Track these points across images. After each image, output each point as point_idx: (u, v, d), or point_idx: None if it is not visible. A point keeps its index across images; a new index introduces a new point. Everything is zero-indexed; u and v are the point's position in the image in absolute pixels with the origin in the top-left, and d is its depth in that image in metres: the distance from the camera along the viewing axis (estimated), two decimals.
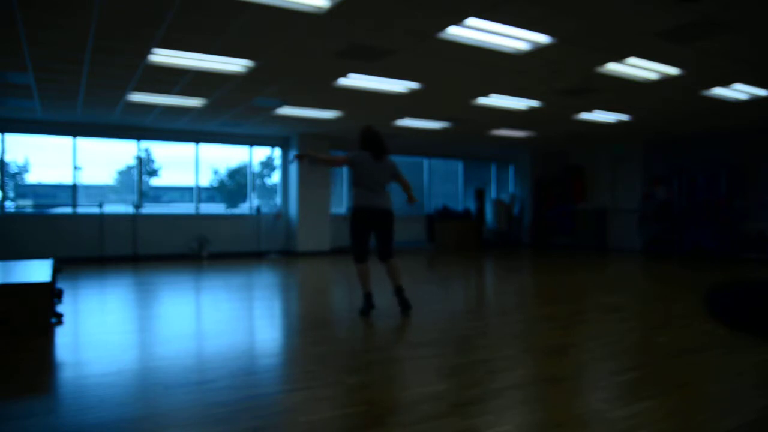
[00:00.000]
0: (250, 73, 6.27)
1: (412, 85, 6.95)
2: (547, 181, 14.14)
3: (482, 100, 7.88)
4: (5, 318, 4.06)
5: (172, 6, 4.30)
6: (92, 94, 7.41)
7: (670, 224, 11.49)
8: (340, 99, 7.78)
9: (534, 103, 8.04)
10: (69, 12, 4.43)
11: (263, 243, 11.43)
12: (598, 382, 3.10)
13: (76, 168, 10.06)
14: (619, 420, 2.44)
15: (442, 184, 14.44)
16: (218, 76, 6.36)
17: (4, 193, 9.68)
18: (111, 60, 5.78)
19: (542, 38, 5.10)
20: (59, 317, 4.52)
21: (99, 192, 10.83)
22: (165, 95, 7.47)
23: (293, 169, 11.46)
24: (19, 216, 9.91)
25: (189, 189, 11.27)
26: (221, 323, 4.75)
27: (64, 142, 9.96)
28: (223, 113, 8.81)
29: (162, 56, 5.63)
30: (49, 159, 10.34)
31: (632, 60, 5.86)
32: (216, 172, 13.14)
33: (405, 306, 4.93)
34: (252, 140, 11.53)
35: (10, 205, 9.99)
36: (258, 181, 12.98)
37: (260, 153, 12.91)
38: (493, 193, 15.12)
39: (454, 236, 13.10)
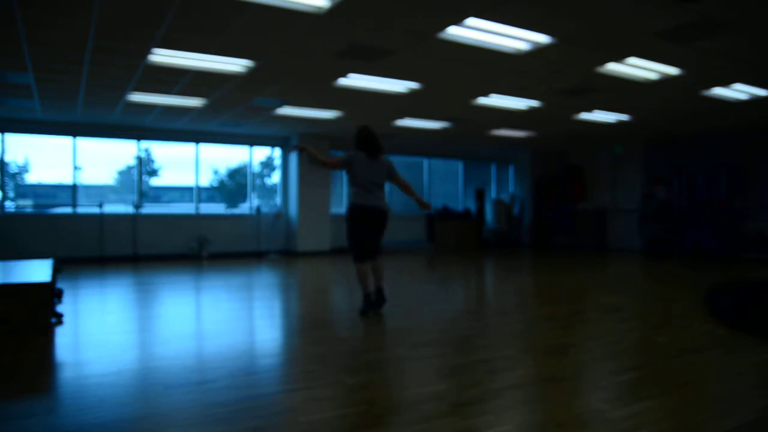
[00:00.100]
0: (250, 73, 6.27)
1: (412, 85, 6.95)
2: (547, 181, 14.14)
3: (482, 100, 7.88)
4: (5, 318, 4.06)
5: (172, 6, 4.30)
6: (92, 94, 7.41)
7: (670, 224, 11.49)
8: (340, 99, 7.78)
9: (534, 103, 8.03)
10: (69, 12, 4.43)
11: (263, 243, 11.43)
12: (598, 382, 3.10)
13: (76, 168, 10.06)
14: (619, 420, 2.44)
15: (442, 184, 14.44)
16: (218, 76, 6.36)
17: (4, 193, 9.68)
18: (111, 60, 5.78)
19: (542, 38, 5.09)
20: (59, 317, 4.52)
21: (99, 192, 10.84)
22: (165, 95, 7.47)
23: (293, 169, 11.46)
24: (19, 216, 9.91)
25: (189, 189, 11.27)
26: (221, 323, 4.75)
27: (64, 142, 9.97)
28: (223, 113, 8.81)
29: (162, 56, 5.63)
30: (49, 159, 10.36)
31: (632, 60, 5.86)
32: (216, 172, 13.15)
33: (380, 301, 5.06)
34: (252, 140, 11.53)
35: (10, 205, 9.99)
36: (258, 181, 12.99)
37: (260, 153, 12.92)
38: (493, 193, 15.13)
39: (454, 236, 13.10)
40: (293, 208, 11.49)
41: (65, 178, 10.10)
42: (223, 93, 7.33)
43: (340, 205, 12.36)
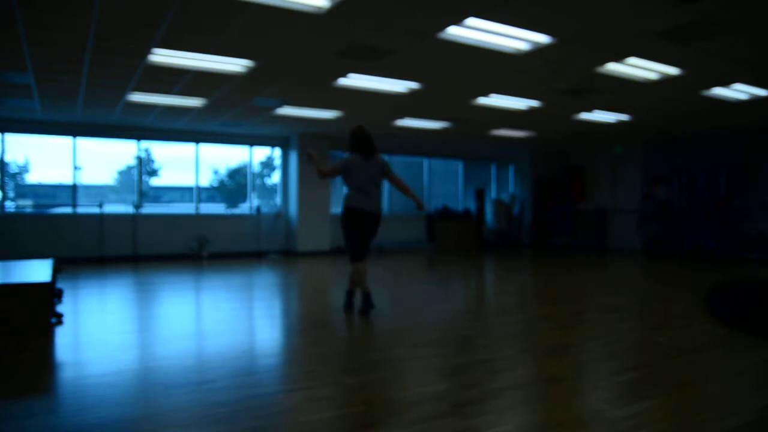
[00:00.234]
0: (250, 73, 6.27)
1: (412, 85, 6.95)
2: (547, 181, 14.14)
3: (482, 100, 7.88)
4: (5, 318, 4.06)
5: (172, 6, 4.30)
6: (92, 94, 7.41)
7: (670, 224, 11.49)
8: (340, 99, 7.79)
9: (534, 103, 8.03)
10: (69, 12, 4.43)
11: (263, 243, 11.43)
12: (598, 382, 3.10)
13: (76, 168, 10.06)
14: (619, 420, 2.44)
15: (442, 184, 14.45)
16: (218, 76, 6.36)
17: (4, 193, 9.68)
18: (111, 60, 5.78)
19: (542, 38, 5.09)
20: (59, 317, 4.52)
21: (99, 192, 10.84)
22: (165, 95, 7.47)
23: (293, 169, 11.46)
24: (19, 216, 9.91)
25: (189, 189, 11.27)
26: (221, 323, 4.75)
27: (64, 142, 9.97)
28: (223, 113, 8.81)
29: (162, 56, 5.63)
30: (49, 159, 10.36)
31: (632, 60, 5.86)
32: (216, 172, 13.16)
33: (350, 305, 5.11)
34: (252, 140, 11.53)
35: (10, 205, 9.99)
36: (258, 181, 12.99)
37: (260, 153, 12.93)
38: (493, 193, 15.13)
39: (454, 236, 13.10)
40: (293, 208, 11.49)
41: (65, 178, 10.11)
42: (223, 93, 7.33)
43: (340, 205, 12.35)
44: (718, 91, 7.26)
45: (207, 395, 2.77)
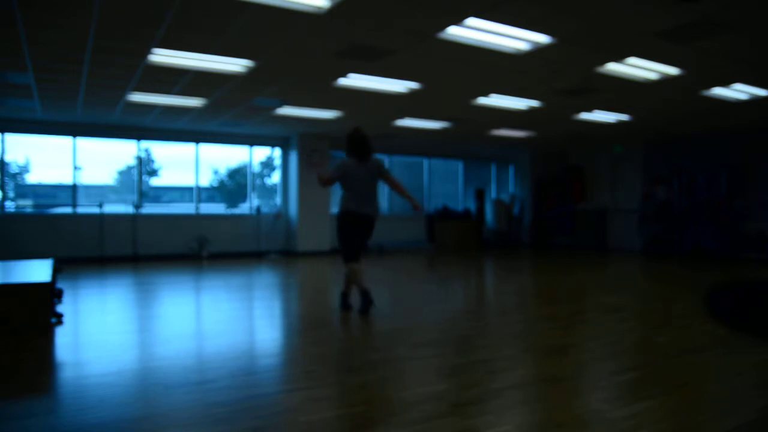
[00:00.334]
0: (250, 73, 6.27)
1: (412, 85, 6.95)
2: (547, 181, 14.14)
3: (482, 100, 7.88)
4: (5, 318, 4.06)
5: (172, 6, 4.30)
6: (92, 94, 7.41)
7: (670, 224, 11.49)
8: (340, 99, 7.79)
9: (534, 103, 8.03)
10: (69, 12, 4.43)
11: (263, 243, 11.43)
12: (598, 382, 3.10)
13: (76, 168, 10.06)
14: (619, 420, 2.44)
15: (442, 184, 14.45)
16: (218, 76, 6.36)
17: (4, 193, 9.68)
18: (111, 60, 5.78)
19: (542, 38, 5.09)
20: (59, 317, 4.52)
21: (99, 192, 10.83)
22: (165, 95, 7.47)
23: (293, 169, 11.46)
24: (19, 216, 9.91)
25: (189, 189, 11.27)
26: (221, 323, 4.75)
27: (64, 142, 9.97)
28: (223, 113, 8.81)
29: (162, 56, 5.63)
30: (49, 159, 10.35)
31: (632, 60, 5.86)
32: (216, 172, 13.15)
33: (346, 306, 5.14)
34: (252, 140, 11.53)
35: (10, 205, 9.99)
36: (258, 181, 12.99)
37: (260, 153, 12.92)
38: (493, 193, 15.13)
39: (454, 236, 13.10)
40: (293, 208, 11.49)
41: (65, 178, 10.11)
42: (223, 93, 7.33)
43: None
44: (718, 91, 7.26)
45: (207, 395, 2.77)
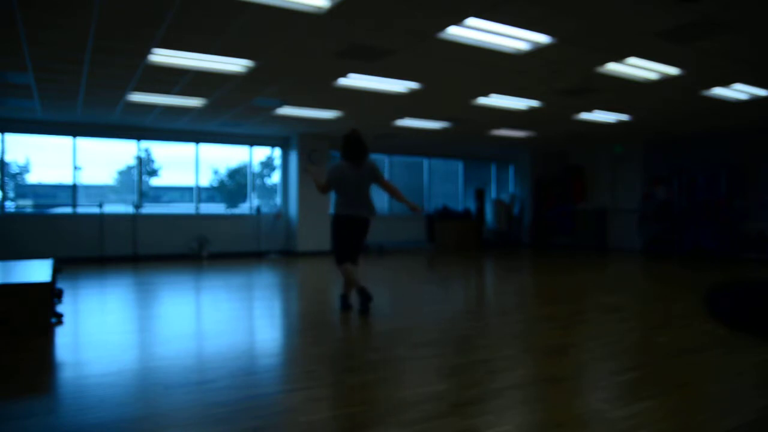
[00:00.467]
0: (250, 73, 6.27)
1: (412, 85, 6.95)
2: (547, 181, 14.14)
3: (482, 100, 7.88)
4: (5, 318, 4.06)
5: (172, 6, 4.30)
6: (92, 94, 7.41)
7: (670, 224, 11.49)
8: (340, 99, 7.79)
9: (534, 103, 8.03)
10: (69, 12, 4.43)
11: (263, 243, 11.43)
12: (598, 382, 3.10)
13: (76, 168, 10.06)
14: (619, 420, 2.44)
15: (442, 184, 14.45)
16: (218, 76, 6.36)
17: (4, 193, 9.68)
18: (111, 60, 5.78)
19: (542, 38, 5.09)
20: (59, 317, 4.52)
21: (99, 192, 10.83)
22: (165, 95, 7.47)
23: (293, 169, 11.46)
24: (19, 216, 9.91)
25: (189, 189, 11.27)
26: (221, 323, 4.75)
27: (64, 142, 9.97)
28: (223, 113, 8.81)
29: (162, 56, 5.63)
30: (49, 159, 10.35)
31: (632, 60, 5.86)
32: (216, 172, 13.14)
33: (346, 306, 5.15)
34: (252, 140, 11.53)
35: (10, 205, 9.99)
36: (258, 181, 12.99)
37: (260, 153, 12.91)
38: (493, 193, 15.13)
39: (454, 236, 13.11)
40: (293, 208, 11.49)
41: (65, 178, 10.11)
42: (223, 93, 7.33)
43: None
44: (718, 91, 7.26)
45: (207, 395, 2.77)
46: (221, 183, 13.94)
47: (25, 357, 3.55)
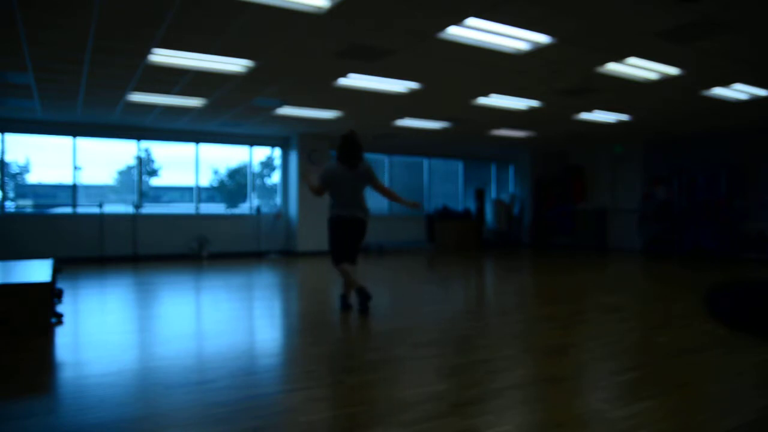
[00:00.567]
0: (250, 73, 6.27)
1: (412, 85, 6.95)
2: (547, 181, 14.14)
3: (482, 100, 7.88)
4: (5, 318, 4.06)
5: (172, 6, 4.30)
6: (92, 94, 7.41)
7: (670, 224, 11.49)
8: (340, 99, 7.79)
9: (534, 103, 8.04)
10: (69, 12, 4.43)
11: (263, 243, 11.43)
12: (598, 382, 3.10)
13: (76, 168, 10.06)
14: (619, 420, 2.44)
15: (442, 184, 14.45)
16: (218, 76, 6.36)
17: (4, 193, 9.68)
18: (111, 60, 5.78)
19: (542, 38, 5.10)
20: (59, 317, 4.52)
21: (99, 192, 10.83)
22: (165, 95, 7.47)
23: (293, 169, 11.46)
24: (19, 216, 9.91)
25: (189, 189, 11.27)
26: (221, 323, 4.75)
27: (64, 142, 9.97)
28: (223, 113, 8.81)
29: (162, 56, 5.63)
30: (49, 159, 10.35)
31: (632, 60, 5.86)
32: (216, 172, 13.14)
33: (346, 307, 5.14)
34: (252, 140, 11.53)
35: (10, 205, 9.99)
36: (258, 181, 12.99)
37: (260, 153, 12.91)
38: (493, 193, 15.13)
39: (454, 236, 13.10)
40: (293, 208, 11.49)
41: (65, 178, 10.11)
42: (223, 93, 7.33)
43: None
44: (718, 91, 7.26)
45: (207, 395, 2.77)
46: (221, 183, 13.94)
47: (25, 357, 3.55)
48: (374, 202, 10.65)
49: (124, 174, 11.44)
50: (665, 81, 6.60)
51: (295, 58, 5.77)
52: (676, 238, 11.42)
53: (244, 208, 11.98)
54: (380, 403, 2.68)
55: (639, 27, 4.85)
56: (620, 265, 9.76)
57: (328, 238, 5.13)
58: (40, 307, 4.22)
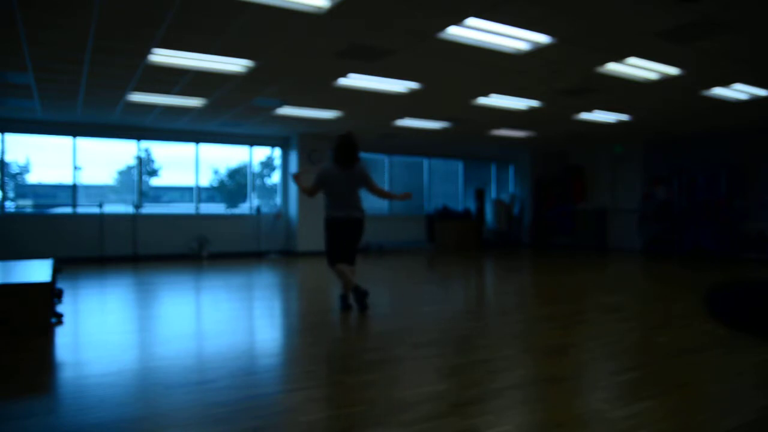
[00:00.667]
0: (250, 73, 6.27)
1: (412, 85, 6.95)
2: (547, 181, 14.14)
3: (482, 100, 7.88)
4: (5, 318, 4.06)
5: (172, 6, 4.30)
6: (92, 94, 7.41)
7: (670, 224, 11.49)
8: (340, 99, 7.79)
9: (534, 103, 8.04)
10: (69, 12, 4.44)
11: (263, 243, 11.43)
12: (598, 382, 3.10)
13: (76, 168, 10.06)
14: (619, 420, 2.44)
15: (442, 184, 14.45)
16: (218, 76, 6.36)
17: (4, 193, 9.68)
18: (111, 60, 5.78)
19: (542, 38, 5.10)
20: (59, 317, 4.52)
21: (99, 192, 10.83)
22: (165, 95, 7.47)
23: (293, 169, 11.46)
24: (19, 216, 9.91)
25: (189, 189, 11.27)
26: (221, 323, 4.75)
27: (64, 142, 9.97)
28: (223, 113, 8.81)
29: (162, 56, 5.63)
30: (49, 159, 10.35)
31: (632, 60, 5.86)
32: (216, 172, 13.14)
33: (346, 306, 5.11)
34: (252, 140, 11.53)
35: (10, 205, 9.99)
36: (258, 181, 12.99)
37: (260, 153, 12.91)
38: (493, 193, 15.13)
39: (454, 236, 13.10)
40: (293, 208, 11.49)
41: (65, 178, 10.11)
42: (223, 93, 7.33)
43: None
44: (718, 91, 7.26)
45: (207, 395, 2.77)
46: (221, 183, 13.94)
47: (25, 357, 3.55)
48: (375, 202, 10.67)
49: (124, 174, 11.44)
50: (665, 81, 6.60)
51: (295, 58, 5.77)
52: (676, 238, 11.42)
53: (244, 208, 11.98)
54: (380, 403, 2.67)
55: (639, 27, 4.85)
56: (620, 265, 9.76)
57: (325, 239, 5.13)
58: (40, 307, 4.22)
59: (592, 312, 5.34)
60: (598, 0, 4.24)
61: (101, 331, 4.37)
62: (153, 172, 11.88)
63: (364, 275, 7.79)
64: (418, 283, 7.58)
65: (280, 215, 11.60)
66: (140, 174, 10.76)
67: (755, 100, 7.70)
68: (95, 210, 10.00)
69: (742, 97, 7.53)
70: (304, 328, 4.58)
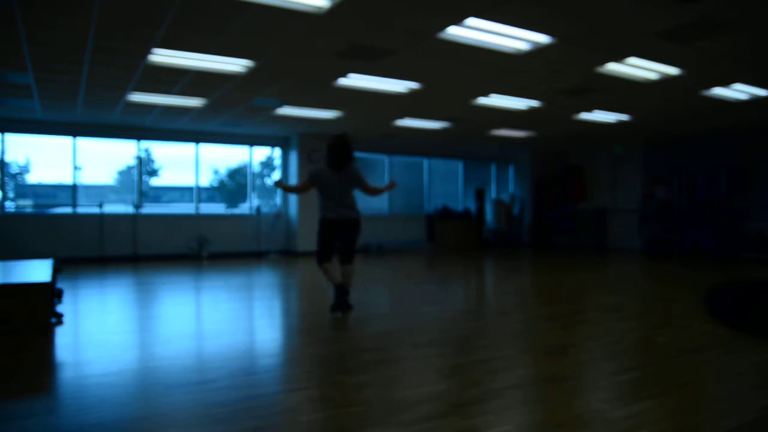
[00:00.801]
0: (250, 73, 6.27)
1: (412, 85, 6.95)
2: (547, 181, 14.14)
3: (482, 100, 7.88)
4: (5, 318, 4.06)
5: (172, 6, 4.30)
6: (92, 94, 7.41)
7: (670, 224, 11.49)
8: (340, 99, 7.78)
9: (534, 103, 8.03)
10: (69, 12, 4.43)
11: (263, 243, 11.43)
12: (598, 382, 3.10)
13: (76, 168, 10.06)
14: (619, 420, 2.44)
15: (442, 184, 14.44)
16: (218, 76, 6.36)
17: (4, 193, 9.68)
18: (111, 60, 5.78)
19: (542, 38, 5.09)
20: (59, 317, 4.52)
21: (99, 192, 10.83)
22: (165, 95, 7.47)
23: (293, 169, 11.47)
24: (19, 216, 9.91)
25: (189, 189, 11.27)
26: (221, 323, 4.75)
27: (64, 142, 9.97)
28: (223, 113, 8.81)
29: (162, 56, 5.63)
30: (49, 159, 10.35)
31: (632, 60, 5.86)
32: (216, 172, 13.15)
33: (344, 307, 5.00)
34: (252, 140, 11.53)
35: (10, 205, 9.99)
36: (258, 181, 12.99)
37: (260, 153, 12.91)
38: (493, 193, 15.12)
39: (454, 236, 13.10)
40: (293, 208, 11.49)
41: (65, 178, 10.11)
42: (223, 93, 7.33)
43: None
44: (718, 91, 7.26)
45: (207, 395, 2.77)
46: (221, 183, 13.95)
47: (25, 357, 3.55)
48: (375, 202, 10.66)
49: (124, 174, 11.44)
50: (665, 81, 6.60)
51: (295, 58, 5.77)
52: (676, 238, 11.42)
53: (244, 208, 11.98)
54: (380, 403, 2.68)
55: (639, 27, 4.84)
56: (620, 265, 9.76)
57: (317, 237, 5.07)
58: (40, 307, 4.22)
59: (592, 312, 5.34)
60: (598, 0, 4.24)
61: (101, 331, 4.37)
62: (153, 172, 11.88)
63: (365, 275, 7.80)
64: (418, 283, 7.58)
65: (280, 215, 11.60)
66: (140, 174, 10.76)
67: (755, 100, 7.70)
68: (95, 210, 10.00)
69: (742, 97, 7.53)
70: (303, 328, 4.58)
